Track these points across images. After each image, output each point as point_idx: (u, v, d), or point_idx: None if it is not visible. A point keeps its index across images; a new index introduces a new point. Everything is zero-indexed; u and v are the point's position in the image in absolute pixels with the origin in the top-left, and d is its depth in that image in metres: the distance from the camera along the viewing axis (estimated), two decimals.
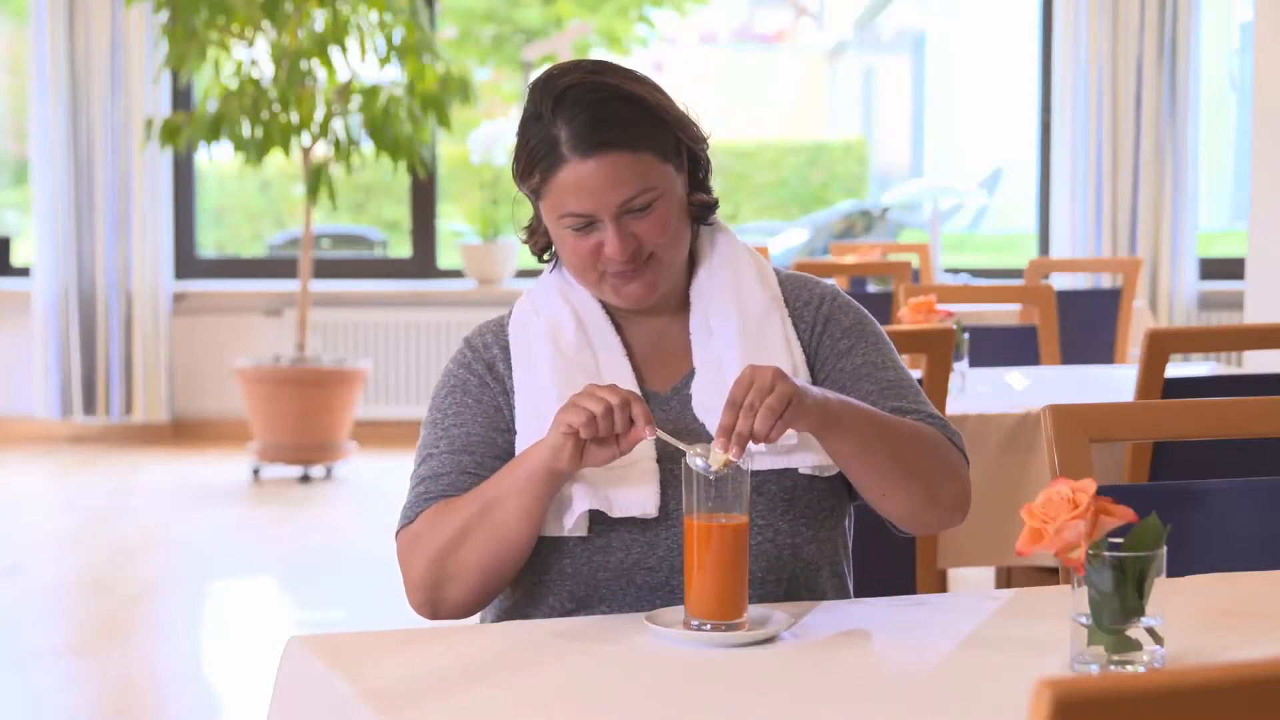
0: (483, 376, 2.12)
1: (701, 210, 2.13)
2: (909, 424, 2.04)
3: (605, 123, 2.01)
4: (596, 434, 1.90)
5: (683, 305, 2.15)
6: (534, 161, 2.04)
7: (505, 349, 2.14)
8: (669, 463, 2.02)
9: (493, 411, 2.10)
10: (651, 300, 2.09)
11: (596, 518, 2.02)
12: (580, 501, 1.99)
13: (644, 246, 2.04)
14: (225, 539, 6.14)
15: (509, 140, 8.37)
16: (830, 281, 2.20)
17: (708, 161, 2.13)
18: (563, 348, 2.09)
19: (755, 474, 2.01)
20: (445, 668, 1.73)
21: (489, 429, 2.09)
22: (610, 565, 2.03)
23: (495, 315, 2.20)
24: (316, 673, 1.74)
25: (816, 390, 1.95)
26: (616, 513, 2.01)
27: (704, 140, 2.12)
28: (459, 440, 2.09)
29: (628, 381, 2.08)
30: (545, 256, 2.17)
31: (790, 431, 1.98)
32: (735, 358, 2.07)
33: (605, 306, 2.14)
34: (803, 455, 2.03)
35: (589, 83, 2.03)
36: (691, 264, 2.16)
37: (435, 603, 2.03)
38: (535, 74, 2.12)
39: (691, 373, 2.12)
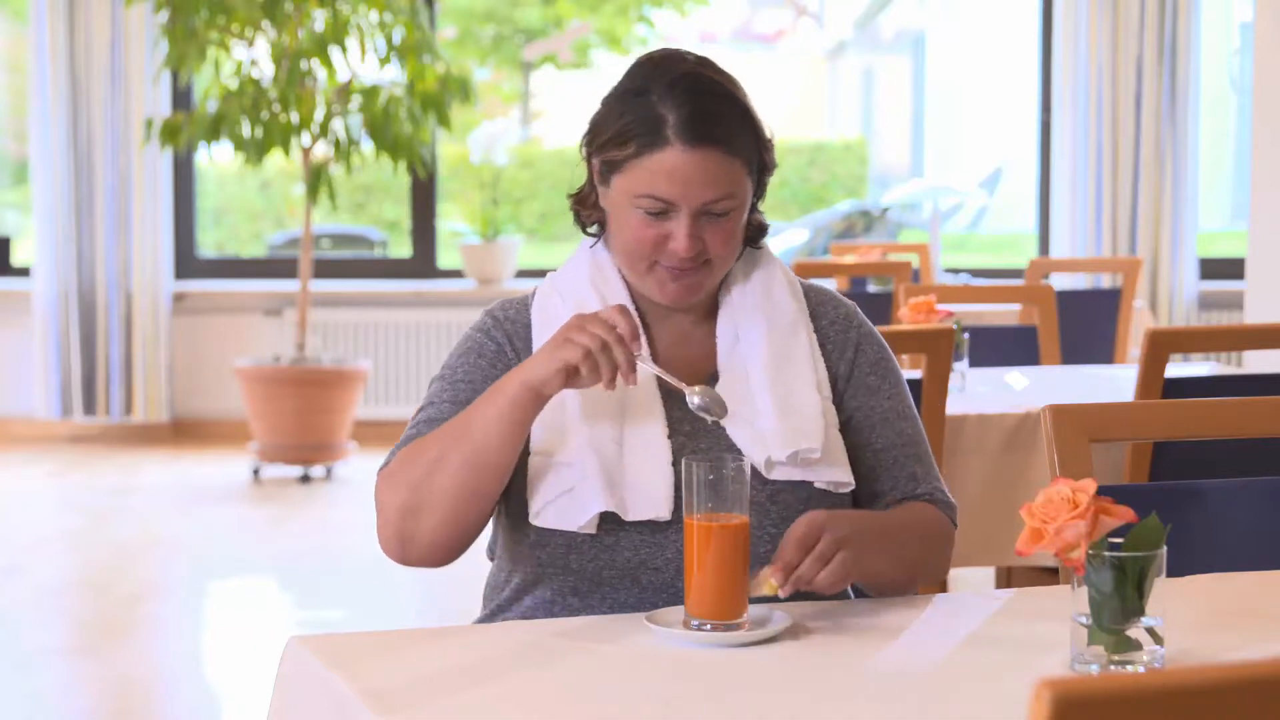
0: (501, 345, 2.12)
1: (756, 232, 2.15)
2: (920, 525, 2.08)
3: (715, 119, 2.01)
4: (595, 369, 1.91)
5: (710, 308, 2.15)
6: (630, 135, 2.02)
7: (527, 327, 2.13)
8: (711, 470, 2.02)
9: None
10: (691, 302, 2.10)
11: (606, 515, 2.02)
12: (594, 503, 1.99)
13: (706, 250, 2.05)
14: (225, 539, 6.14)
15: (509, 140, 8.38)
16: (851, 302, 2.21)
17: (765, 188, 2.13)
18: None
19: (772, 483, 2.03)
20: (445, 668, 1.73)
21: None
22: (617, 564, 2.03)
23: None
24: (316, 673, 1.74)
25: (857, 539, 1.94)
26: (630, 516, 2.00)
27: (774, 166, 2.12)
28: (463, 394, 2.08)
29: (648, 382, 2.08)
30: (589, 230, 2.16)
31: (812, 445, 2.02)
32: (760, 366, 2.08)
33: (634, 301, 2.13)
34: (821, 469, 2.04)
35: (704, 75, 2.04)
36: None
37: (405, 537, 2.00)
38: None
39: (713, 376, 2.12)
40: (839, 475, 2.05)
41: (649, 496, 2.00)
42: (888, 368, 2.16)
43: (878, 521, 2.03)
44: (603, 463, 2.00)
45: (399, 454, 2.03)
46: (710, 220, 2.03)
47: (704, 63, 2.07)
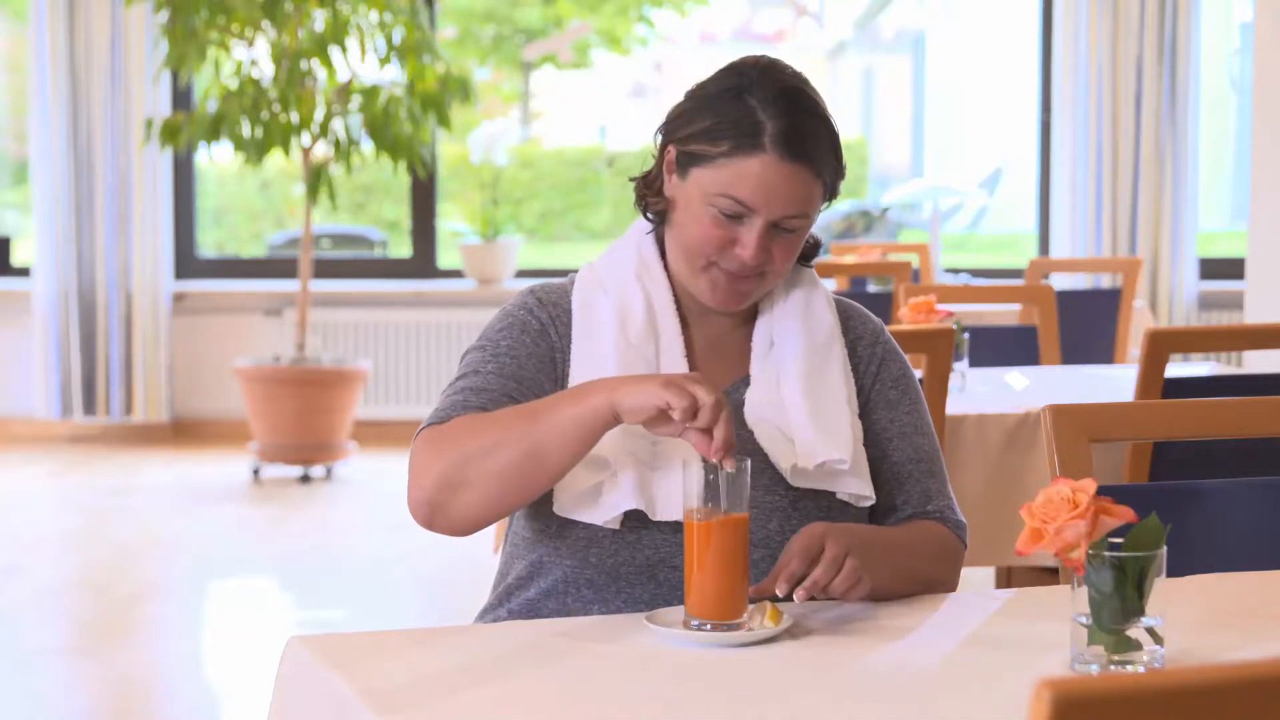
0: (545, 325, 2.12)
1: (810, 250, 2.17)
2: (924, 543, 2.08)
3: (812, 138, 2.04)
4: (690, 422, 1.89)
5: (749, 313, 2.17)
6: (724, 134, 2.03)
7: (568, 313, 2.13)
8: (711, 470, 2.02)
9: (546, 360, 2.10)
10: (736, 309, 2.12)
11: (631, 512, 2.02)
12: (624, 501, 1.99)
13: (766, 263, 2.06)
14: (225, 539, 6.13)
15: (509, 140, 8.38)
16: (879, 319, 2.24)
17: (820, 212, 2.15)
18: (629, 335, 2.10)
19: (795, 490, 2.05)
20: (445, 668, 1.73)
21: (539, 372, 2.09)
22: (636, 561, 2.04)
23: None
24: (316, 673, 1.74)
25: (859, 549, 1.94)
26: (658, 516, 2.01)
27: (837, 194, 2.14)
28: (509, 368, 2.08)
29: None
30: (650, 214, 2.16)
31: (842, 456, 2.04)
32: (794, 376, 2.09)
33: (676, 299, 2.14)
34: (845, 480, 2.06)
35: (806, 93, 2.06)
36: None
37: (437, 506, 1.98)
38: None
39: (744, 379, 2.13)
40: (862, 489, 2.06)
41: (676, 497, 2.00)
42: (908, 384, 2.19)
43: (879, 535, 2.04)
44: (636, 462, 2.01)
45: (451, 424, 2.01)
46: (779, 234, 2.06)
47: (803, 79, 2.09)
